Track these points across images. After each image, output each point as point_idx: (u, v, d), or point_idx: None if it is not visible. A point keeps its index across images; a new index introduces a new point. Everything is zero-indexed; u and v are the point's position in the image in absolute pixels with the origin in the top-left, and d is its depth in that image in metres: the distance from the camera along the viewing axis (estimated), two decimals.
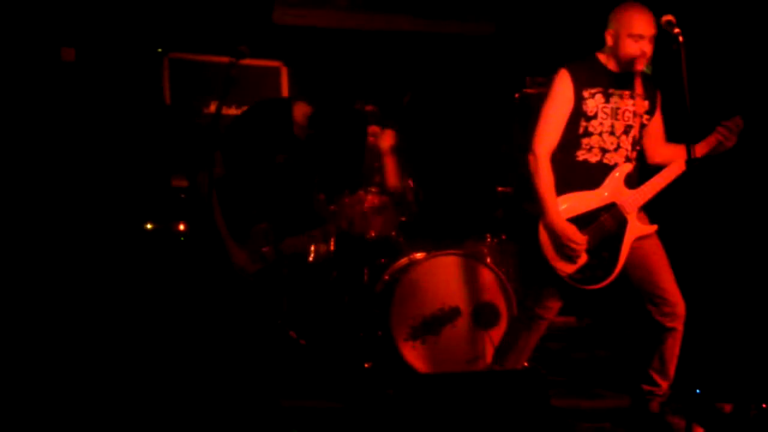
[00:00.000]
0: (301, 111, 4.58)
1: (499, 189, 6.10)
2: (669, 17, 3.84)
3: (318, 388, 5.06)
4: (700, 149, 4.16)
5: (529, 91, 6.29)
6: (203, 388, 4.15)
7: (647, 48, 4.08)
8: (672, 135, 4.37)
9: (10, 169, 5.94)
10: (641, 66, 4.14)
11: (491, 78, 7.32)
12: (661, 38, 3.99)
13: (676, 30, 3.81)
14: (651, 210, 4.30)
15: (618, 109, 4.17)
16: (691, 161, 3.84)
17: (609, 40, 4.15)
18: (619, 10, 4.14)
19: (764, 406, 4.35)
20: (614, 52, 4.14)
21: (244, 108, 5.25)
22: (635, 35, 4.05)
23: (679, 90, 3.77)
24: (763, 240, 5.55)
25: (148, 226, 5.89)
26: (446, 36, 7.50)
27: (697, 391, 4.25)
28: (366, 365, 5.31)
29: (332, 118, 4.48)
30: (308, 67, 6.98)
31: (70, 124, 6.21)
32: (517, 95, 6.34)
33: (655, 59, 4.26)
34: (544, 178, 4.13)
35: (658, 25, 3.94)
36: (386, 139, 5.95)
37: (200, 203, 4.16)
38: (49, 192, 6.04)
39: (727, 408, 4.42)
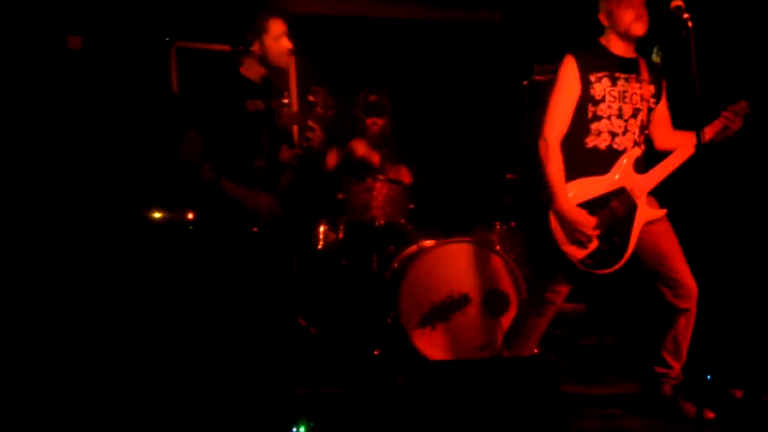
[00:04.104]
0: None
1: (508, 176, 6.08)
2: (678, 2, 3.83)
3: (327, 375, 5.07)
4: (707, 133, 4.16)
5: (537, 78, 6.27)
6: (213, 377, 4.15)
7: (642, 11, 4.09)
8: (680, 120, 4.37)
9: (17, 159, 5.94)
10: (642, 29, 4.12)
11: (499, 65, 7.31)
12: (670, 24, 3.97)
13: (685, 15, 3.79)
14: (662, 195, 4.29)
15: (625, 92, 4.17)
16: (700, 146, 3.83)
17: (604, 21, 4.18)
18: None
19: None
20: (614, 29, 4.16)
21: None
22: (624, 35, 4.11)
23: (688, 75, 3.75)
24: None
25: (156, 215, 5.89)
26: (455, 24, 7.48)
27: (708, 377, 4.24)
28: (375, 353, 5.30)
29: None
30: (318, 55, 6.97)
31: (76, 113, 6.21)
32: (525, 82, 6.32)
33: (663, 45, 4.23)
34: (554, 164, 4.13)
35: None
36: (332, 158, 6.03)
37: (189, 173, 4.14)
38: (56, 181, 6.04)
39: (739, 394, 4.42)
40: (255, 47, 4.25)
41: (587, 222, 4.11)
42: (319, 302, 5.78)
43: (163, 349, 4.98)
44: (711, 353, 4.38)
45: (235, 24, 4.44)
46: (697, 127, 3.82)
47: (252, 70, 4.30)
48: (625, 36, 4.15)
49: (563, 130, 4.17)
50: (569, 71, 4.17)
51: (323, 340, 5.57)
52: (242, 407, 4.16)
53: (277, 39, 4.26)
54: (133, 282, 5.75)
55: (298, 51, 4.38)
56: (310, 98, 4.31)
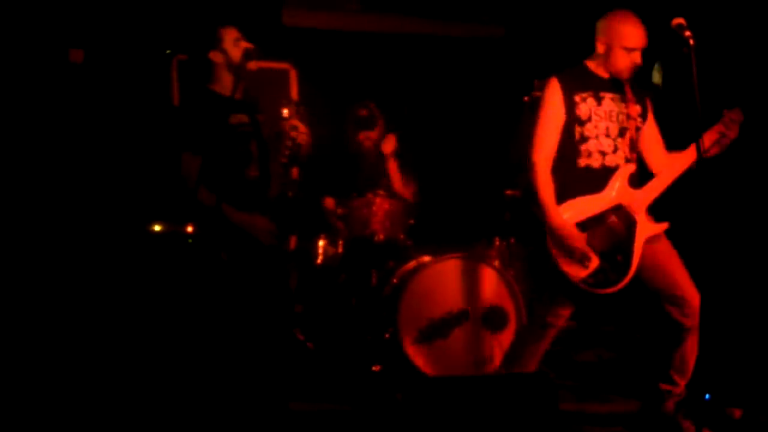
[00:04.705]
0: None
1: (508, 192, 6.08)
2: (680, 20, 3.84)
3: (326, 391, 5.06)
4: (705, 142, 4.14)
5: (538, 94, 6.26)
6: (211, 390, 4.14)
7: (638, 59, 4.12)
8: (681, 136, 4.36)
9: (19, 171, 5.94)
10: (628, 75, 4.15)
11: (500, 81, 7.31)
12: (671, 41, 3.98)
13: (687, 33, 3.80)
14: (660, 211, 4.28)
15: (611, 111, 4.18)
16: (702, 161, 3.84)
17: (600, 49, 4.17)
18: (610, 20, 4.15)
19: None
20: (605, 61, 4.16)
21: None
22: (628, 48, 4.09)
23: (689, 92, 3.76)
24: None
25: (156, 227, 5.89)
26: (456, 39, 7.49)
27: (707, 396, 4.24)
28: (374, 368, 5.30)
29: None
30: (317, 69, 6.98)
31: (78, 125, 6.21)
32: (526, 98, 6.33)
33: (664, 61, 4.24)
34: (544, 185, 4.14)
35: (661, 31, 3.94)
36: (388, 144, 5.96)
37: (185, 188, 4.15)
38: (57, 193, 6.04)
39: (737, 413, 4.41)
40: (217, 58, 4.28)
41: (579, 239, 4.10)
42: (317, 317, 5.78)
43: (161, 361, 4.97)
44: (710, 372, 4.37)
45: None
46: (698, 142, 3.82)
47: (226, 85, 4.31)
48: (612, 73, 4.17)
49: (551, 152, 4.17)
50: (553, 93, 4.17)
51: (321, 355, 5.56)
52: (240, 422, 4.15)
53: (236, 43, 4.29)
54: (132, 294, 5.74)
55: (297, 65, 4.41)
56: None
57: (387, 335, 5.28)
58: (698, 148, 3.86)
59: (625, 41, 4.08)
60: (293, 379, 5.05)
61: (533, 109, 6.18)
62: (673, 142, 4.38)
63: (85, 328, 5.54)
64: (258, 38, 4.43)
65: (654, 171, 4.33)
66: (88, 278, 5.85)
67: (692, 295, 4.15)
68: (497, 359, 5.09)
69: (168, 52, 6.57)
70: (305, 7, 7.17)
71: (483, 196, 6.81)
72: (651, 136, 4.33)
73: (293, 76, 6.87)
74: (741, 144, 4.24)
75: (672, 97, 4.39)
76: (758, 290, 5.37)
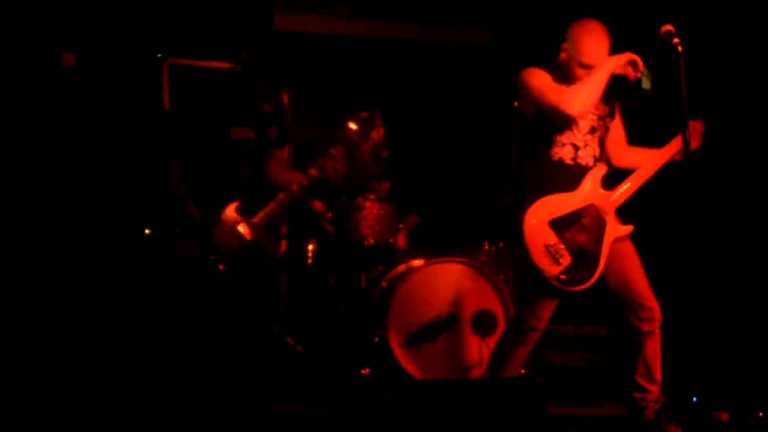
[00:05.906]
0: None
1: (499, 200, 6.10)
2: (668, 27, 3.85)
3: (315, 394, 5.06)
4: (666, 153, 4.23)
5: None
6: (200, 393, 4.14)
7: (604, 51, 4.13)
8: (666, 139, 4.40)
9: (10, 175, 5.94)
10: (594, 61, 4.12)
11: (489, 86, 7.33)
12: (660, 48, 4.00)
13: (675, 40, 3.82)
14: (630, 213, 4.32)
15: None
16: (692, 170, 3.86)
17: (563, 55, 4.23)
18: (574, 29, 4.20)
19: (761, 414, 4.36)
20: (568, 68, 4.20)
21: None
22: (584, 65, 4.12)
23: (677, 97, 3.78)
24: (761, 246, 5.56)
25: (147, 231, 5.90)
26: (445, 44, 7.50)
27: (694, 399, 4.25)
28: (363, 371, 5.30)
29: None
30: (307, 74, 6.98)
31: (69, 129, 6.21)
32: (516, 104, 6.34)
33: (653, 67, 4.27)
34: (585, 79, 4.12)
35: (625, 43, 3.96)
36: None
37: (170, 192, 4.17)
38: (48, 197, 6.04)
39: (724, 416, 4.43)
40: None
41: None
42: (307, 320, 5.79)
43: (149, 364, 4.97)
44: (696, 375, 4.39)
45: (229, 41, 4.42)
46: (685, 149, 3.84)
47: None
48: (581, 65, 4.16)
49: None
50: (542, 74, 4.21)
51: (310, 358, 5.56)
52: (228, 424, 4.15)
53: None
54: (121, 297, 5.74)
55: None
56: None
57: (376, 339, 5.29)
58: (685, 151, 3.88)
59: (581, 57, 4.13)
60: (282, 382, 5.06)
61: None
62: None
63: (67, 328, 5.53)
64: (249, 42, 4.44)
65: (615, 165, 4.38)
66: (75, 278, 5.84)
67: (649, 301, 4.21)
68: (485, 364, 5.10)
69: (159, 55, 6.57)
70: (295, 12, 7.17)
71: (472, 201, 6.82)
72: (616, 134, 4.39)
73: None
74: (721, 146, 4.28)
75: (660, 103, 4.40)
76: (743, 294, 5.39)
